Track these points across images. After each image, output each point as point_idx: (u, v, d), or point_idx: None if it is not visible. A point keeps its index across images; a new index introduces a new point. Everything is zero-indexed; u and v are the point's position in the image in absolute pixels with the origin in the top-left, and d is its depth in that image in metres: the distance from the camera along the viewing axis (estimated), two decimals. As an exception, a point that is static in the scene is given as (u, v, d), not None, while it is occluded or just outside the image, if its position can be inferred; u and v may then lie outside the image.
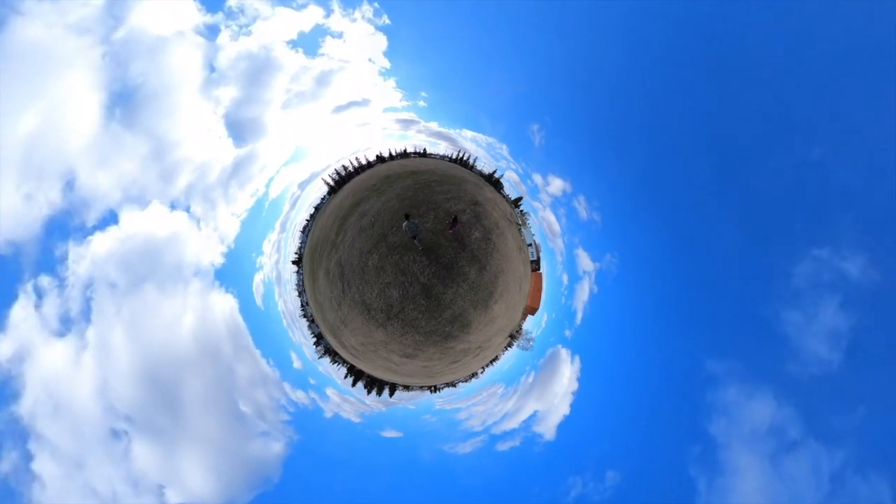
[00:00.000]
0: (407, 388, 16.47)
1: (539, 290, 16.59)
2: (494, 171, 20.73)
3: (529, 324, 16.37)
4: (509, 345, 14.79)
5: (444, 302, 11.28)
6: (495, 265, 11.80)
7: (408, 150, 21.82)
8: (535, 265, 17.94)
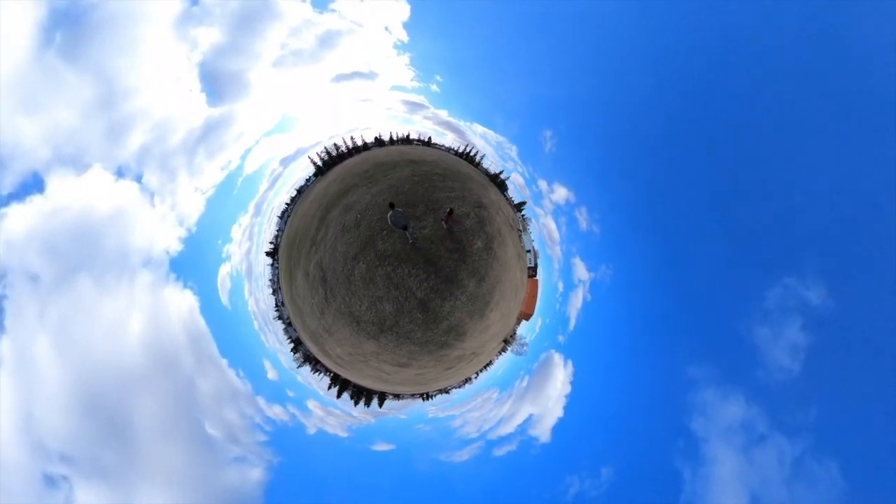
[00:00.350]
0: (398, 396, 15.89)
1: (534, 296, 16.75)
2: (501, 172, 19.81)
3: (523, 329, 16.61)
4: (503, 350, 14.86)
5: (441, 314, 10.70)
6: (494, 275, 11.39)
7: (410, 136, 19.68)
8: (532, 271, 18.02)
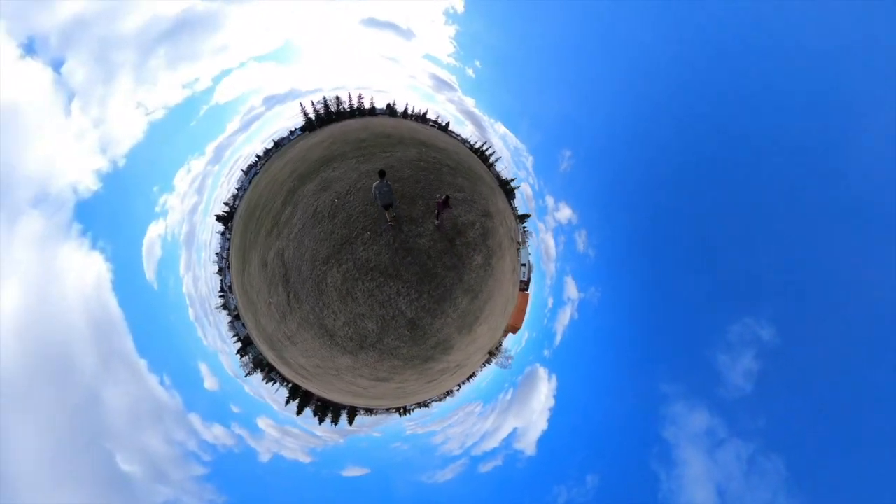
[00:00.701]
0: (371, 411, 14.12)
1: (523, 310, 16.65)
2: (512, 179, 19.19)
3: (510, 342, 16.53)
4: (488, 362, 14.49)
5: (431, 332, 9.68)
6: (488, 292, 10.71)
7: (427, 115, 16.80)
8: (524, 285, 17.89)
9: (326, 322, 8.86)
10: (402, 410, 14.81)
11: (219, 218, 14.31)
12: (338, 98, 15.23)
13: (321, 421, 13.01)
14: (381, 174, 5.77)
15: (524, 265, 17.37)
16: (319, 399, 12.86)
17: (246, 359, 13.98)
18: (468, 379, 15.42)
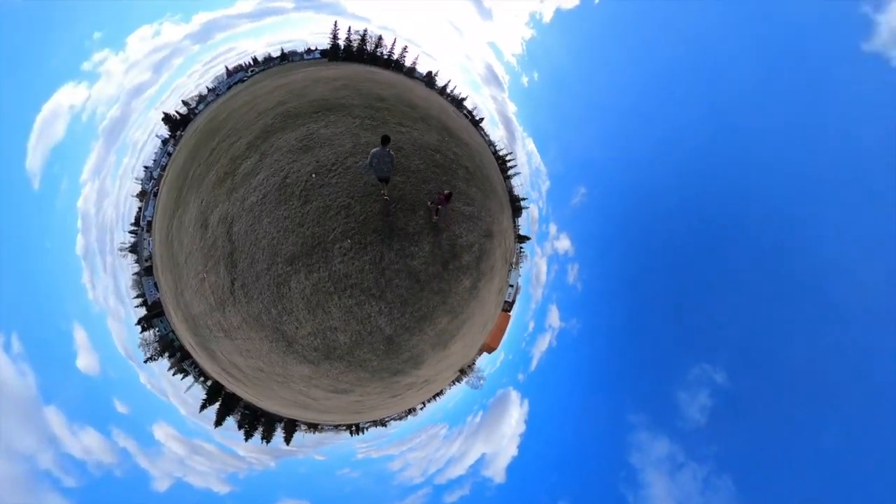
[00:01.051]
0: (315, 427, 10.29)
1: (503, 330, 16.49)
2: (524, 199, 19.37)
3: (484, 362, 16.15)
4: (457, 380, 13.80)
5: (406, 347, 8.79)
6: (469, 312, 10.17)
7: (464, 102, 14.51)
8: (508, 306, 17.75)
9: (286, 329, 7.07)
10: (354, 428, 11.73)
11: (167, 119, 10.10)
12: (380, 38, 12.33)
13: (249, 436, 9.26)
14: (385, 140, 4.75)
15: (512, 286, 17.37)
16: (249, 407, 9.19)
17: (149, 335, 9.97)
18: (434, 397, 14.47)
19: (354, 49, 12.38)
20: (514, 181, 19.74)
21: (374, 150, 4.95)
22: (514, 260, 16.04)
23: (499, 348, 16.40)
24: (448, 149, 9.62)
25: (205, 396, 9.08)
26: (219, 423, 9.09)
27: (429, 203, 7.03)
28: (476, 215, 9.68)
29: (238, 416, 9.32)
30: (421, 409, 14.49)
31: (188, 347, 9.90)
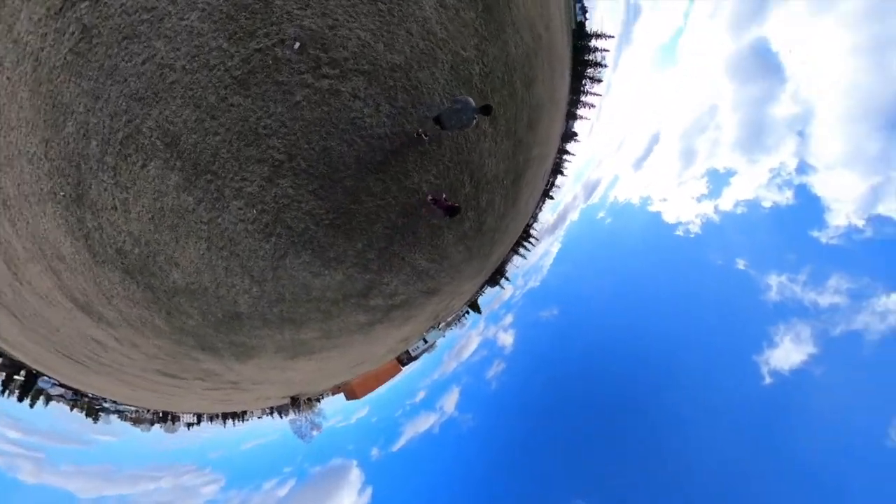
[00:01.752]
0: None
1: (380, 381, 13.49)
2: (507, 277, 18.79)
3: (333, 407, 12.54)
4: (281, 410, 9.96)
5: (244, 332, 7.10)
6: (346, 341, 9.04)
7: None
8: (406, 358, 15.05)
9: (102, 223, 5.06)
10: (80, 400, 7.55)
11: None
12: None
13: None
14: (486, 110, 3.96)
15: (426, 342, 14.73)
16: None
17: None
18: (238, 416, 9.89)
19: None
20: (517, 259, 19.36)
21: (465, 100, 3.99)
22: (448, 321, 13.77)
23: (363, 399, 12.75)
24: (529, 154, 8.94)
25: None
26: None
27: (429, 198, 6.00)
28: (432, 274, 8.40)
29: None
30: (187, 425, 9.13)
31: None
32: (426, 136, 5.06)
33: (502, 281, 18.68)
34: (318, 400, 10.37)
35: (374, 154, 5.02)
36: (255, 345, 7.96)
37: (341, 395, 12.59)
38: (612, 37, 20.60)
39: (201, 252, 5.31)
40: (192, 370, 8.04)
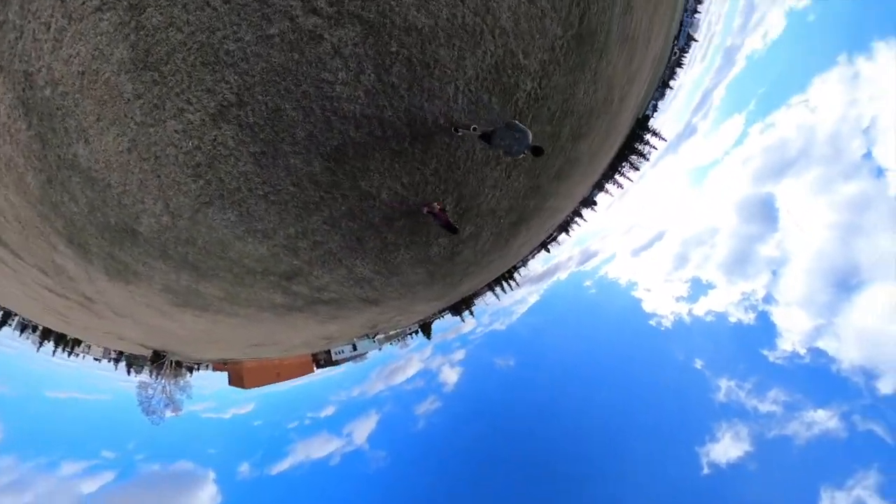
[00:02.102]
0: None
1: (281, 376, 11.02)
2: (473, 307, 18.80)
3: (207, 387, 9.98)
4: (135, 364, 7.46)
5: (169, 255, 5.90)
6: (251, 317, 7.56)
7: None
8: (325, 358, 13.04)
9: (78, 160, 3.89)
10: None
11: None
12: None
13: None
14: (538, 152, 3.88)
15: (355, 349, 12.78)
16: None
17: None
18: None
19: None
20: (490, 297, 19.09)
21: (525, 131, 3.81)
22: (388, 334, 12.15)
23: (250, 391, 9.51)
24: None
25: None
26: None
27: (436, 205, 5.74)
28: (375, 285, 7.59)
29: None
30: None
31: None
32: (473, 130, 4.35)
33: (465, 313, 17.82)
34: (190, 369, 7.94)
35: (331, 136, 3.93)
36: (140, 271, 6.41)
37: (224, 376, 9.72)
38: (665, 140, 23.17)
39: (120, 149, 4.30)
40: (39, 256, 6.04)
